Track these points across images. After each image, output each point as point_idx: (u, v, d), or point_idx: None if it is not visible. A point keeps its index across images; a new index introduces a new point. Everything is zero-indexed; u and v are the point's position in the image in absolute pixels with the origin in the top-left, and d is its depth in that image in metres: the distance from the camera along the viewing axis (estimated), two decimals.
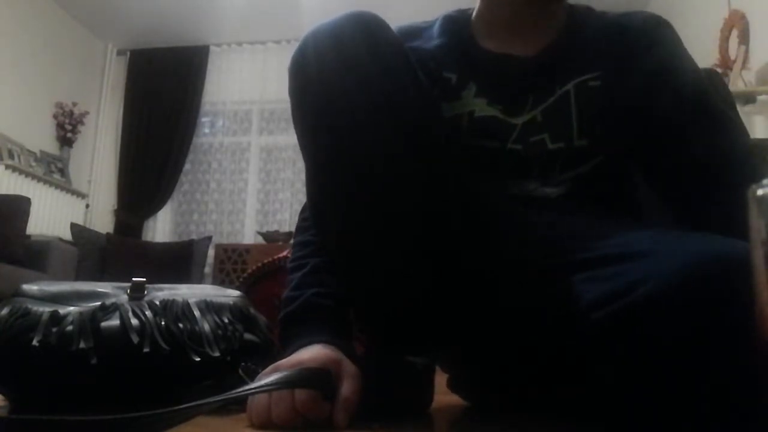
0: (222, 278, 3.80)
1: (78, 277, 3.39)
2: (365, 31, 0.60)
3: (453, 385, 0.85)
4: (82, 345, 0.61)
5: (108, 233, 4.08)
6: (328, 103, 0.58)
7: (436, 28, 0.82)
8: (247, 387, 0.53)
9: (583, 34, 0.76)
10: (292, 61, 0.62)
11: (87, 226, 4.08)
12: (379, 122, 0.57)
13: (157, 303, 0.68)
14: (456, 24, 0.81)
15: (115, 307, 0.66)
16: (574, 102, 0.72)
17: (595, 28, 0.77)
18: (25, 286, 0.68)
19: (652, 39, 0.73)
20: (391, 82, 0.58)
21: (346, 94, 0.57)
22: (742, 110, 2.34)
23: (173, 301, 0.69)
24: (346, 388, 0.57)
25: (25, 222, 3.15)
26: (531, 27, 0.78)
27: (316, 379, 0.55)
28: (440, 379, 0.86)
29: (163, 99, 4.67)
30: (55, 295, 0.67)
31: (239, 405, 0.60)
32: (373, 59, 0.58)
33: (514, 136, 0.72)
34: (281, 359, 0.60)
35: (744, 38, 2.72)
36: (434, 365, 0.73)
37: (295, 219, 0.96)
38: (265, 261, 1.37)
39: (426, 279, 0.59)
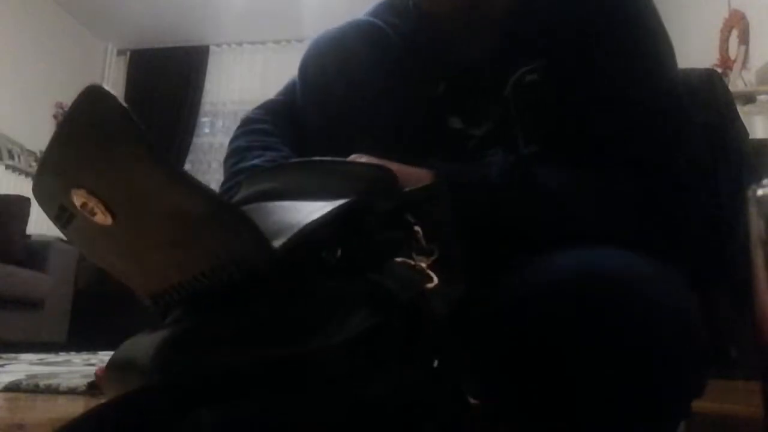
0: None
1: (77, 278, 3.39)
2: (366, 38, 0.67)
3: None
4: None
5: None
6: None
7: None
8: None
9: (532, 16, 0.63)
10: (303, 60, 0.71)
11: None
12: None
13: None
14: None
15: None
16: (513, 104, 0.61)
17: (546, 5, 0.63)
18: None
19: (608, 20, 0.59)
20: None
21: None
22: (742, 110, 2.33)
23: None
24: None
25: (25, 222, 3.15)
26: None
27: None
28: None
29: (163, 99, 4.67)
30: None
31: None
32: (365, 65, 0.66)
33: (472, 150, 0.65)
34: None
35: (744, 38, 2.72)
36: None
37: None
38: None
39: None
